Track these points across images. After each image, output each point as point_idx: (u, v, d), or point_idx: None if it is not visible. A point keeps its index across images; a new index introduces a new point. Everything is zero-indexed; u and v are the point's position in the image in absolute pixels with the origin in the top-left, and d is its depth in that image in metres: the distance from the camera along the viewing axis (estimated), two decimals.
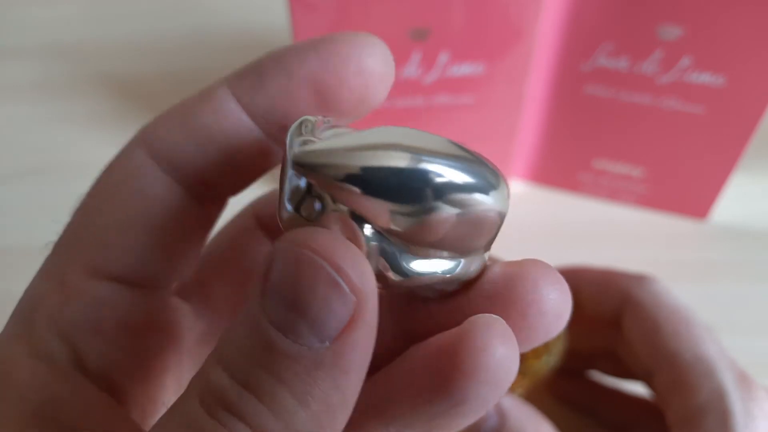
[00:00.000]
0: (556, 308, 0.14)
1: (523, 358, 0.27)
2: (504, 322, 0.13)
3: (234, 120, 0.14)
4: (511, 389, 0.26)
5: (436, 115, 0.35)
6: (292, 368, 0.12)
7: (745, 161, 0.39)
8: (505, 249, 0.32)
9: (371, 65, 0.14)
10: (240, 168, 0.15)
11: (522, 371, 0.27)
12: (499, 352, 0.13)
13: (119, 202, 0.15)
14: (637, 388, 0.29)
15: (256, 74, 0.14)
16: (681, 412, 0.23)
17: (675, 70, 0.33)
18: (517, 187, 0.41)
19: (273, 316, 0.12)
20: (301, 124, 0.13)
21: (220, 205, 0.17)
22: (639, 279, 0.26)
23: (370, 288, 0.12)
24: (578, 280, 0.28)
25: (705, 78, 0.33)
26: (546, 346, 0.27)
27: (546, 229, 0.39)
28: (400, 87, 0.34)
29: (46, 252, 0.16)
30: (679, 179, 0.38)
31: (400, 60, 0.32)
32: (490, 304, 0.14)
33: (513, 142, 0.37)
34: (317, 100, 0.14)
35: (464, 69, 0.33)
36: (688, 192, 0.38)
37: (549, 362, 0.27)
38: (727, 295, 0.36)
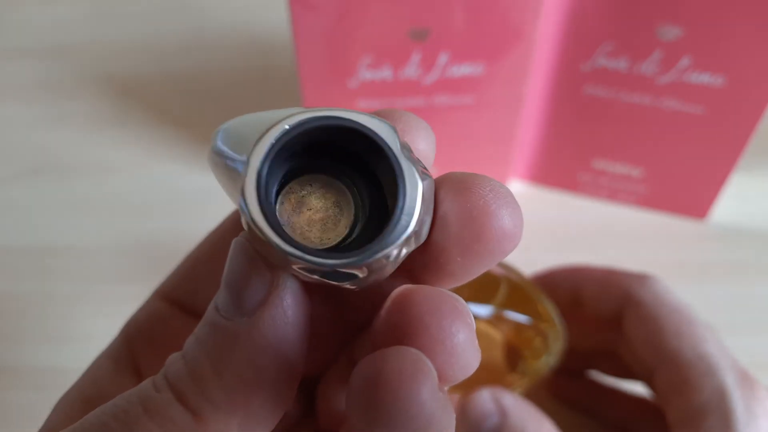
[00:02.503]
0: (462, 343, 0.14)
1: (523, 358, 0.27)
2: (420, 357, 0.13)
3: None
4: (511, 389, 0.26)
5: (436, 115, 0.35)
6: (214, 338, 0.13)
7: (744, 161, 0.39)
8: None
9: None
10: None
11: (522, 371, 0.27)
12: (423, 395, 0.12)
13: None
14: (637, 388, 0.29)
15: None
16: (682, 411, 0.23)
17: (675, 71, 0.33)
18: (517, 187, 0.41)
19: (218, 301, 0.14)
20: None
21: None
22: (640, 278, 0.26)
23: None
24: (579, 279, 0.28)
25: (705, 78, 0.33)
26: (546, 346, 0.27)
27: (546, 229, 0.39)
28: (400, 87, 0.34)
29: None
30: (678, 179, 0.38)
31: (400, 60, 0.32)
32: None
33: (513, 142, 0.37)
34: None
35: (464, 69, 0.33)
36: (687, 192, 0.38)
37: (549, 362, 0.27)
38: (727, 295, 0.36)
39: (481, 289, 0.27)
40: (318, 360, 0.17)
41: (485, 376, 0.28)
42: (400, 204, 0.13)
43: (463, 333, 0.13)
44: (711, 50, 0.32)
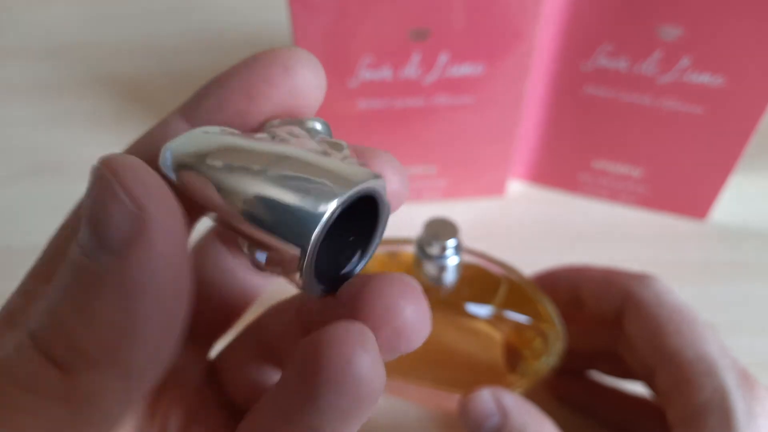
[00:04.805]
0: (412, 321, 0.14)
1: (523, 358, 0.27)
2: (365, 331, 0.13)
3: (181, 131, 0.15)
4: (511, 389, 0.26)
5: (436, 115, 0.35)
6: (78, 281, 0.12)
7: (744, 161, 0.39)
8: (505, 249, 0.32)
9: (295, 64, 0.15)
10: None
11: (521, 372, 0.27)
12: (364, 364, 0.12)
13: None
14: (637, 388, 0.29)
15: (196, 96, 0.15)
16: (683, 411, 0.23)
17: (675, 71, 0.33)
18: (517, 187, 0.41)
19: (79, 238, 0.12)
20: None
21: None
22: (640, 278, 0.26)
23: (158, 207, 0.12)
24: (579, 279, 0.28)
25: (704, 78, 0.33)
26: (546, 347, 0.27)
27: (546, 229, 0.39)
28: (400, 87, 0.34)
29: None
30: (678, 179, 0.38)
31: (400, 60, 0.32)
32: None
33: (513, 142, 0.37)
34: (248, 102, 0.15)
35: (464, 69, 0.33)
36: (687, 192, 0.38)
37: (548, 362, 0.27)
38: (727, 295, 0.36)
39: (481, 289, 0.27)
40: (220, 321, 0.18)
41: (485, 376, 0.28)
42: (373, 246, 0.15)
43: (411, 308, 0.13)
44: (711, 50, 0.32)
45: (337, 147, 0.14)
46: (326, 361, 0.12)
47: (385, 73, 0.33)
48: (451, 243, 0.25)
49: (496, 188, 0.40)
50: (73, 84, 0.49)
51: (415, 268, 0.27)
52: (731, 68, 0.32)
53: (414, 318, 0.14)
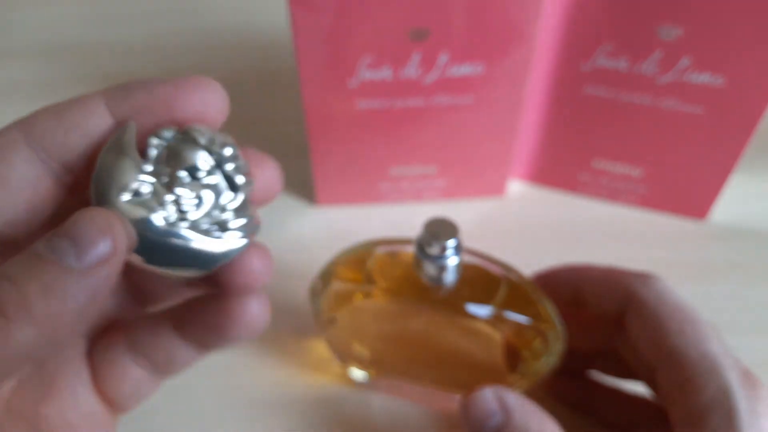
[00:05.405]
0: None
1: (523, 358, 0.27)
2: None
3: (99, 118, 0.18)
4: (511, 390, 0.26)
5: (436, 115, 0.35)
6: (47, 270, 0.16)
7: (744, 161, 0.39)
8: (505, 249, 0.32)
9: (205, 87, 0.18)
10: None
11: (521, 372, 0.27)
12: (254, 309, 0.20)
13: None
14: (637, 388, 0.29)
15: (125, 89, 0.18)
16: (686, 410, 0.23)
17: (674, 71, 0.33)
18: (517, 187, 0.41)
19: (46, 243, 0.16)
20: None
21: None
22: (642, 277, 0.26)
23: (121, 244, 0.17)
24: (580, 279, 0.28)
25: (704, 78, 0.33)
26: (546, 347, 0.27)
27: (546, 229, 0.39)
28: (400, 87, 0.34)
29: None
30: (678, 179, 0.38)
31: (400, 60, 0.32)
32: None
33: (513, 142, 0.37)
34: (168, 109, 0.18)
35: (464, 69, 0.33)
36: (687, 192, 0.38)
37: (549, 363, 0.27)
38: (727, 295, 0.36)
39: (481, 290, 0.27)
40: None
41: (485, 376, 0.28)
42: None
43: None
44: (711, 50, 0.32)
45: (214, 187, 0.18)
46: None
47: (385, 73, 0.33)
48: (451, 243, 0.25)
49: (496, 188, 0.40)
50: (73, 84, 0.49)
51: (415, 268, 0.27)
52: (731, 68, 0.32)
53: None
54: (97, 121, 0.18)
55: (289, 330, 0.34)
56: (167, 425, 0.30)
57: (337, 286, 0.28)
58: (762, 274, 0.37)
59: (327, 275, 0.29)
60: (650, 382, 0.26)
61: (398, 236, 0.30)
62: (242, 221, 0.18)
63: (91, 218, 0.16)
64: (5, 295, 0.16)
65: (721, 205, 0.39)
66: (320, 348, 0.33)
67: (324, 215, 0.40)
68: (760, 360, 0.28)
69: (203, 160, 0.17)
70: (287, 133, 0.45)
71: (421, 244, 0.26)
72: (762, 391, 0.22)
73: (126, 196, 0.17)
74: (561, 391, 0.31)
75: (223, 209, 0.18)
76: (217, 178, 0.18)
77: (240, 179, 0.18)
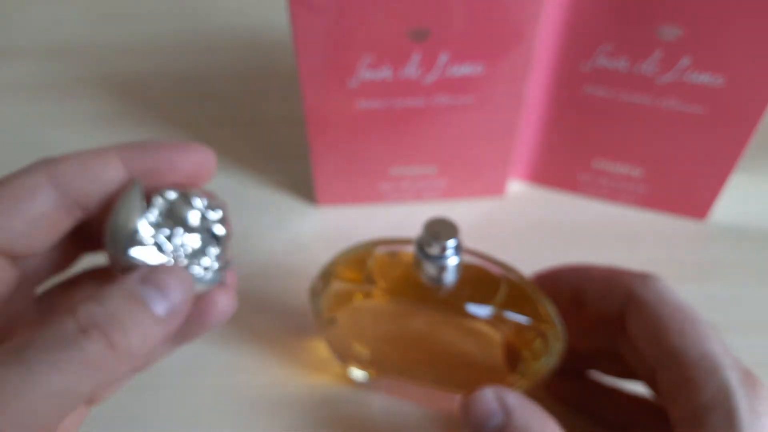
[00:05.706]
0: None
1: (523, 359, 0.27)
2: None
3: (115, 170, 0.21)
4: (512, 390, 0.26)
5: (436, 115, 0.35)
6: (141, 311, 0.19)
7: (744, 161, 0.39)
8: (505, 249, 0.32)
9: (199, 152, 0.22)
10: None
11: (521, 372, 0.27)
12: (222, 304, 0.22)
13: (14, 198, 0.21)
14: (637, 388, 0.29)
15: (138, 148, 0.21)
16: (686, 410, 0.23)
17: (675, 71, 0.33)
18: (517, 187, 0.41)
19: (140, 285, 0.19)
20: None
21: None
22: (643, 277, 0.26)
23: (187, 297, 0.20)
24: (581, 278, 0.28)
25: (704, 78, 0.33)
26: (546, 347, 0.27)
27: (546, 229, 0.39)
28: (400, 87, 0.34)
29: None
30: (678, 179, 0.38)
31: (400, 60, 0.32)
32: None
33: (513, 142, 0.37)
34: (171, 168, 0.22)
35: (464, 69, 0.33)
36: (687, 192, 0.38)
37: (548, 363, 0.27)
38: (726, 295, 0.36)
39: (481, 290, 0.27)
40: None
41: (485, 376, 0.28)
42: None
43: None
44: (711, 50, 0.32)
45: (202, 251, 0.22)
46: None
47: (385, 73, 0.33)
48: (451, 243, 0.25)
49: (496, 188, 0.40)
50: (73, 84, 0.49)
51: (415, 268, 0.27)
52: (731, 68, 0.32)
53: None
54: (113, 174, 0.21)
55: (289, 330, 0.34)
56: (167, 425, 0.30)
57: (337, 286, 0.28)
58: (762, 274, 0.37)
59: (327, 275, 0.29)
60: (650, 382, 0.26)
61: (398, 236, 0.30)
62: (219, 264, 0.22)
63: (178, 277, 0.20)
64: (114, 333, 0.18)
65: (721, 205, 0.39)
66: (320, 348, 0.33)
67: (324, 215, 0.40)
68: (760, 360, 0.28)
69: (196, 218, 0.21)
70: (287, 133, 0.45)
71: (421, 244, 0.26)
72: (762, 391, 0.22)
73: (136, 246, 0.20)
74: (561, 391, 0.31)
75: (205, 255, 0.22)
76: (205, 234, 0.22)
77: (221, 231, 0.22)
